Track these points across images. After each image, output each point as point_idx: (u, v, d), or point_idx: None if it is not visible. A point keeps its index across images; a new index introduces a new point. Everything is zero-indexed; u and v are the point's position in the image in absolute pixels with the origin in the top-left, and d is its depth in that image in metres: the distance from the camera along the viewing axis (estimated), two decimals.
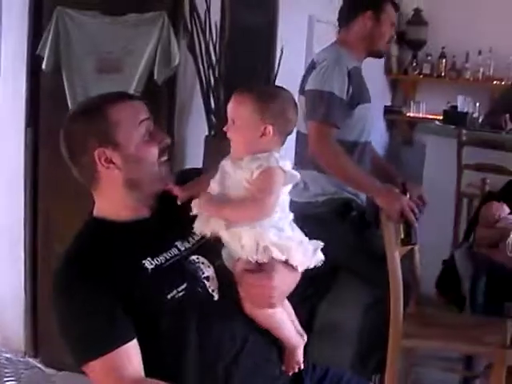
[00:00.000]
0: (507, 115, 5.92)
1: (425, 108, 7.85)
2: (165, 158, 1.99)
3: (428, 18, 7.78)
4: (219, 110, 3.95)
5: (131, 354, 1.79)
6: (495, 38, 7.33)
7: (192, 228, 1.97)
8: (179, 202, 1.99)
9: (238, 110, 1.96)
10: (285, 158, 1.95)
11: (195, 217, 1.97)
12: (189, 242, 2.00)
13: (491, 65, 7.54)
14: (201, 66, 3.90)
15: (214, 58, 3.92)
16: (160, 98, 3.63)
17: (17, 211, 3.92)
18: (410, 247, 3.38)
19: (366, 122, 3.51)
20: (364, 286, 3.54)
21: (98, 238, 1.95)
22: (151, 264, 1.89)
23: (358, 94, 3.43)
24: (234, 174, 1.93)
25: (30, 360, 4.01)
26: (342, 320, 3.99)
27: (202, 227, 1.95)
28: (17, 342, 4.04)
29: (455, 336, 3.36)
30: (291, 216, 2.01)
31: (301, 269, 1.97)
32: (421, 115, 7.85)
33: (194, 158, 3.94)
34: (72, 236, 1.99)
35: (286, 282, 1.97)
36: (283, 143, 2.00)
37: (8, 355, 4.00)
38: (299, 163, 3.42)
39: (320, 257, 1.99)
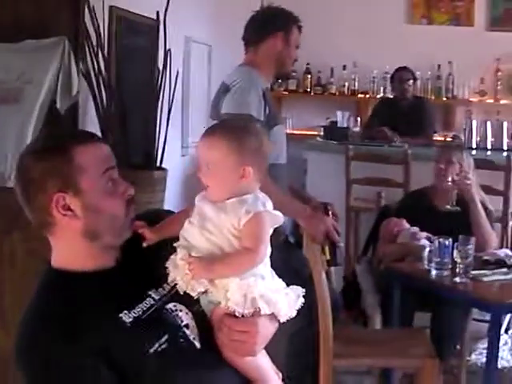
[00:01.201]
0: (385, 128, 6.06)
1: (291, 124, 7.93)
2: (132, 212, 1.82)
3: None
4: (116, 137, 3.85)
5: None
6: (358, 52, 7.57)
7: (164, 274, 1.81)
8: (145, 245, 1.83)
9: (211, 154, 1.79)
10: (266, 197, 1.84)
11: (165, 260, 1.81)
12: (164, 289, 1.84)
13: (356, 79, 7.74)
14: (96, 90, 3.78)
15: (107, 81, 3.81)
16: (63, 128, 3.45)
17: None
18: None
19: (283, 144, 3.48)
20: None
21: (62, 292, 1.75)
22: (129, 317, 1.73)
23: (274, 115, 3.40)
24: (217, 218, 1.77)
25: None
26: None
27: (186, 287, 1.78)
28: None
29: (383, 352, 3.39)
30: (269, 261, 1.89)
31: (283, 320, 1.86)
32: (288, 131, 7.93)
33: None
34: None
35: (268, 329, 1.86)
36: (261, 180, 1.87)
37: None
38: None
39: (300, 303, 1.89)
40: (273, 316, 1.83)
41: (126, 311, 1.74)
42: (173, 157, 4.83)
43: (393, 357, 3.37)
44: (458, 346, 4.02)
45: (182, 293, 1.79)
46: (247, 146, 1.80)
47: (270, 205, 1.81)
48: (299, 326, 3.40)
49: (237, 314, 1.77)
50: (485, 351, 4.07)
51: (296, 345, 3.46)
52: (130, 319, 1.73)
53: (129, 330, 1.72)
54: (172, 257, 1.80)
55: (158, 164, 4.25)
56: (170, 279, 1.81)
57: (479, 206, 4.08)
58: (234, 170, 1.79)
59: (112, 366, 1.66)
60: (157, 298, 1.82)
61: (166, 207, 3.89)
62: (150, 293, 1.82)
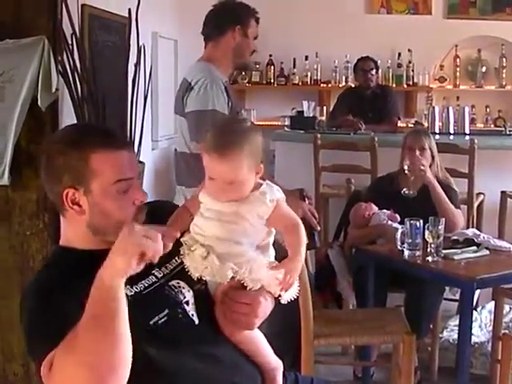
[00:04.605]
0: (350, 116, 6.21)
1: (256, 115, 8.02)
2: (140, 217, 1.93)
3: None
4: None
5: None
6: (319, 43, 7.68)
7: (167, 253, 1.94)
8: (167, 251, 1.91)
9: (234, 172, 1.87)
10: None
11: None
12: (166, 268, 1.98)
13: (318, 69, 7.86)
14: (73, 88, 3.85)
15: (82, 78, 3.87)
16: (44, 125, 3.54)
17: None
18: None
19: None
20: None
21: (69, 267, 1.88)
22: (130, 291, 1.87)
23: (236, 106, 3.56)
24: (239, 210, 1.90)
25: None
26: None
27: (215, 277, 1.92)
28: None
29: (362, 330, 3.53)
30: None
31: (284, 302, 2.01)
32: (254, 122, 8.00)
33: None
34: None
35: (267, 306, 2.00)
36: None
37: None
38: (184, 183, 3.49)
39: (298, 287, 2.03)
40: (272, 296, 1.97)
41: (128, 286, 1.84)
42: (143, 151, 4.91)
43: (372, 334, 3.52)
44: (431, 325, 4.18)
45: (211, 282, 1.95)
46: (257, 152, 1.93)
47: (279, 189, 1.98)
48: (280, 306, 3.54)
49: (246, 285, 1.91)
50: (456, 328, 4.25)
51: (277, 323, 3.59)
52: (131, 293, 1.86)
53: (130, 303, 1.80)
54: (187, 252, 1.93)
55: None
56: (194, 275, 1.93)
57: (438, 188, 4.25)
58: (252, 176, 1.93)
59: None
60: (159, 276, 1.96)
61: None
62: (153, 271, 1.95)
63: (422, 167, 4.23)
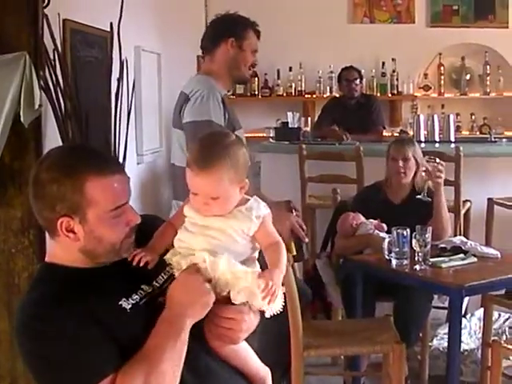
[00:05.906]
0: (335, 126, 6.22)
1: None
2: (131, 239, 1.93)
3: None
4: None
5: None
6: (303, 53, 7.71)
7: (154, 271, 1.96)
8: (150, 267, 1.94)
9: (214, 186, 1.87)
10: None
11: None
12: (153, 286, 1.97)
13: (302, 79, 7.86)
14: (56, 104, 3.83)
15: (65, 93, 3.85)
16: (27, 141, 3.51)
17: None
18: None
19: None
20: None
21: (58, 284, 1.88)
22: (128, 304, 1.87)
23: (233, 120, 3.52)
24: (225, 225, 1.89)
25: None
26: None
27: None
28: None
29: (352, 340, 3.52)
30: None
31: (268, 315, 1.99)
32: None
33: None
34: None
35: (252, 320, 2.00)
36: None
37: None
38: (181, 197, 3.46)
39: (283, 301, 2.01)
40: (257, 310, 1.96)
41: (124, 299, 1.87)
42: (128, 165, 4.89)
43: (362, 344, 3.51)
44: (421, 333, 4.17)
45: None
46: (241, 166, 1.91)
47: (266, 205, 1.96)
48: (270, 318, 3.53)
49: (232, 300, 1.90)
50: (445, 336, 4.23)
51: (266, 337, 3.58)
52: (129, 306, 1.87)
53: (129, 316, 1.85)
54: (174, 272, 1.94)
55: None
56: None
57: (443, 195, 4.24)
58: (235, 191, 1.91)
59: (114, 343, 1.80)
60: (149, 290, 1.95)
61: None
62: (142, 286, 1.95)
63: (441, 173, 4.22)
